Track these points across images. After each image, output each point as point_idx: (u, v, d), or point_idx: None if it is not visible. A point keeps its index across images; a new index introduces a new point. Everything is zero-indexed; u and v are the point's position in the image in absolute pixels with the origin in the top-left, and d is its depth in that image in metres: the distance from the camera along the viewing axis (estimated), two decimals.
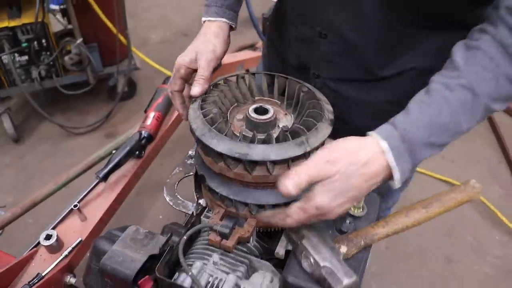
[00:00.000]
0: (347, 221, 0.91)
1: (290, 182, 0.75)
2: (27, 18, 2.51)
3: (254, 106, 0.99)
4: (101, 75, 2.96)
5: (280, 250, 0.99)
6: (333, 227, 0.92)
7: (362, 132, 0.82)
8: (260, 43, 2.67)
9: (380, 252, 2.25)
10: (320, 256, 0.79)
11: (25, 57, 2.60)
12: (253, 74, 1.12)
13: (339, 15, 1.01)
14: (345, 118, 1.00)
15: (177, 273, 0.99)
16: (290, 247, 0.96)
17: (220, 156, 0.90)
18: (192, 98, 1.05)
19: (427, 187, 2.58)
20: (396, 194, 1.43)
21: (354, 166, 0.75)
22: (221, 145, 0.88)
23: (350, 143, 0.79)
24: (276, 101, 1.08)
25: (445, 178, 2.64)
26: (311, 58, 1.15)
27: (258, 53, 2.55)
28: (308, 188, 0.77)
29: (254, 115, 0.97)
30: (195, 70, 1.05)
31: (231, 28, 1.11)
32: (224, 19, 1.09)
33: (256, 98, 1.09)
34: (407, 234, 2.31)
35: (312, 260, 0.80)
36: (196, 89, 1.00)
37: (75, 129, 2.88)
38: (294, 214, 0.80)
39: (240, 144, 0.88)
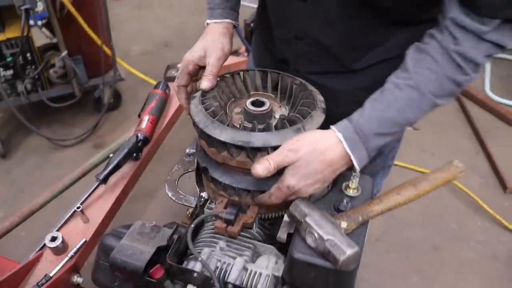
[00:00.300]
0: (344, 201, 0.98)
1: (260, 167, 0.89)
2: (11, 33, 2.53)
3: (251, 99, 1.06)
4: (86, 87, 2.98)
5: (282, 235, 1.05)
6: (331, 206, 0.98)
7: (344, 118, 0.94)
8: (243, 49, 2.74)
9: (370, 245, 2.32)
10: (323, 230, 0.85)
11: (10, 72, 2.61)
12: (247, 71, 1.18)
13: (311, 23, 1.11)
14: (327, 106, 1.08)
15: (185, 262, 1.04)
16: (291, 230, 1.03)
17: (224, 145, 0.96)
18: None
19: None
20: (379, 181, 1.52)
21: (314, 153, 0.89)
22: (224, 134, 0.94)
23: (312, 134, 0.93)
24: (271, 94, 1.15)
25: (427, 171, 2.74)
26: (290, 55, 1.24)
27: (242, 58, 2.62)
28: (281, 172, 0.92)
29: (251, 107, 1.03)
30: (202, 67, 1.11)
31: (234, 27, 1.19)
32: (228, 20, 1.17)
33: (252, 93, 1.15)
34: (395, 226, 2.42)
35: (316, 235, 0.86)
36: (206, 84, 1.07)
37: (62, 142, 2.88)
38: (274, 193, 0.95)
39: (242, 133, 0.94)
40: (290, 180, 0.91)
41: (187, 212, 1.34)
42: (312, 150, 0.89)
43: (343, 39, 1.11)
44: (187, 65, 1.12)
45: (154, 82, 3.15)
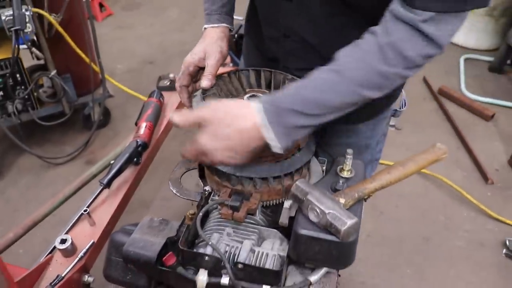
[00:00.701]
0: (340, 182, 1.06)
1: (178, 114, 0.97)
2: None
3: (248, 95, 1.14)
4: (75, 105, 3.03)
5: (283, 220, 1.12)
6: (329, 188, 1.06)
7: None
8: (228, 59, 2.83)
9: (362, 240, 2.40)
10: (324, 205, 0.93)
11: (0, 93, 2.64)
12: (242, 70, 1.26)
13: (297, 21, 1.20)
14: None
15: (195, 250, 1.10)
16: (292, 214, 1.10)
17: None
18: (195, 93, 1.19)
19: None
20: (369, 174, 1.59)
21: (228, 117, 0.92)
22: None
23: (235, 101, 0.99)
24: (265, 91, 1.23)
25: None
26: (279, 53, 1.33)
27: (228, 68, 2.70)
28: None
29: None
30: (201, 68, 1.19)
31: (229, 31, 1.29)
32: (225, 24, 1.26)
33: (247, 90, 1.24)
34: (384, 222, 2.51)
35: (318, 210, 0.93)
36: (206, 82, 1.15)
37: (54, 160, 2.91)
38: (188, 148, 0.99)
39: None
40: (201, 137, 0.94)
41: (188, 214, 1.40)
42: (228, 113, 0.92)
43: (326, 36, 1.20)
44: (188, 67, 1.19)
45: (144, 98, 3.23)
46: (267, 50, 1.37)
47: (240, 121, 0.92)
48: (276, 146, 0.94)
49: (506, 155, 3.02)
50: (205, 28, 1.26)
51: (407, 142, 3.13)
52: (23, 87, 2.69)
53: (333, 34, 1.19)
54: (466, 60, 4.13)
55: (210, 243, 1.02)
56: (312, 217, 0.95)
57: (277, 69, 1.27)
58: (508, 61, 3.96)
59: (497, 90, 3.75)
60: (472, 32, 4.32)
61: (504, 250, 2.35)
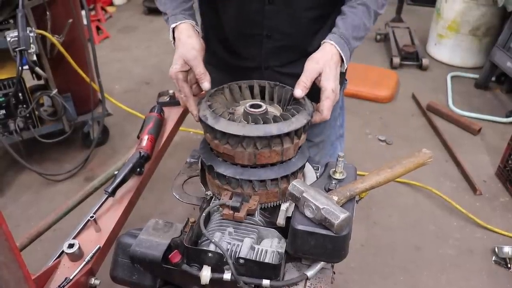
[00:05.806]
0: (333, 182, 1.15)
1: (299, 89, 1.21)
2: (2, 75, 2.67)
3: (249, 104, 1.23)
4: (76, 123, 3.11)
5: (280, 220, 1.20)
6: (322, 188, 1.14)
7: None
8: None
9: (357, 250, 2.47)
10: (319, 202, 1.01)
11: (3, 111, 2.72)
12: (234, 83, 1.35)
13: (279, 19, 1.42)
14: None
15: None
16: (289, 214, 1.18)
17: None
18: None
19: (389, 189, 2.87)
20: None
21: (329, 61, 1.26)
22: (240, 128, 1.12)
23: (321, 52, 1.28)
24: (261, 104, 1.33)
25: (402, 180, 2.95)
26: (260, 55, 1.51)
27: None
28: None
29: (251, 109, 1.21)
30: (188, 72, 1.28)
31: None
32: (190, 20, 1.34)
33: (241, 102, 1.33)
34: (377, 232, 2.59)
35: (313, 206, 1.01)
36: (206, 84, 1.24)
37: (54, 176, 2.97)
38: (326, 106, 1.24)
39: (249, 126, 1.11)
40: (330, 84, 1.23)
41: (189, 221, 1.47)
42: (328, 59, 1.25)
43: (303, 28, 1.46)
44: (177, 76, 1.27)
45: (141, 116, 3.32)
46: (246, 57, 1.53)
47: (334, 57, 1.27)
48: (346, 63, 1.31)
49: (493, 167, 3.12)
50: (173, 29, 1.32)
51: (397, 156, 3.20)
52: (24, 105, 2.77)
53: (309, 26, 1.45)
54: (452, 77, 4.29)
55: (213, 240, 1.10)
56: (308, 213, 1.03)
57: (260, 73, 1.44)
58: (493, 78, 4.12)
59: (483, 105, 3.89)
60: (458, 51, 4.50)
61: (494, 257, 2.43)
